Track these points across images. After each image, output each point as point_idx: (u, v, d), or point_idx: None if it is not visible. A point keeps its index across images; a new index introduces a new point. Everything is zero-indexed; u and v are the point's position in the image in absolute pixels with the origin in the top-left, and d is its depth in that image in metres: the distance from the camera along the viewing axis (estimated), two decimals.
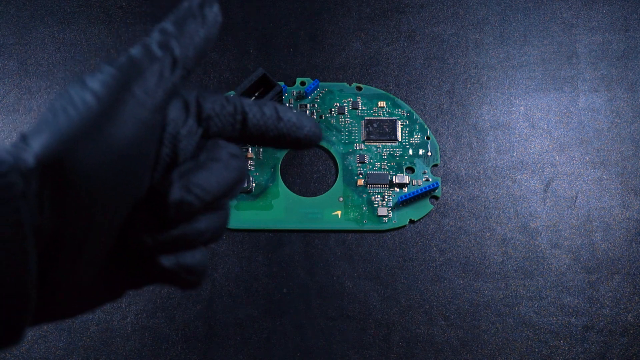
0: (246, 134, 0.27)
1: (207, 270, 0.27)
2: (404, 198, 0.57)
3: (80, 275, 0.24)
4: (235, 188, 0.26)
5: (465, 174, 0.59)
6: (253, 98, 0.57)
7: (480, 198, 0.58)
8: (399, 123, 0.60)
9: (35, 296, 0.23)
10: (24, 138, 0.22)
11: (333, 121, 0.60)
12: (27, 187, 0.22)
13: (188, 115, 0.25)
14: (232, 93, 0.58)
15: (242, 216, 0.57)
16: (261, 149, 0.59)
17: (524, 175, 0.59)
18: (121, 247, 0.25)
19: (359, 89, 0.61)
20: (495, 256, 0.57)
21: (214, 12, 0.25)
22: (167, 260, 0.25)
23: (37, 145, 0.22)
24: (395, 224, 0.57)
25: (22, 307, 0.22)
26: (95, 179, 0.22)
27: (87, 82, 0.23)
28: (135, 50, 0.24)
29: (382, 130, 0.59)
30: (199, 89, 0.26)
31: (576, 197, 0.58)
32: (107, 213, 0.24)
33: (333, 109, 0.60)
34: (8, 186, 0.21)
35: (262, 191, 0.58)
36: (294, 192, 0.58)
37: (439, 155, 0.59)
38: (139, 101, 0.23)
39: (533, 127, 0.60)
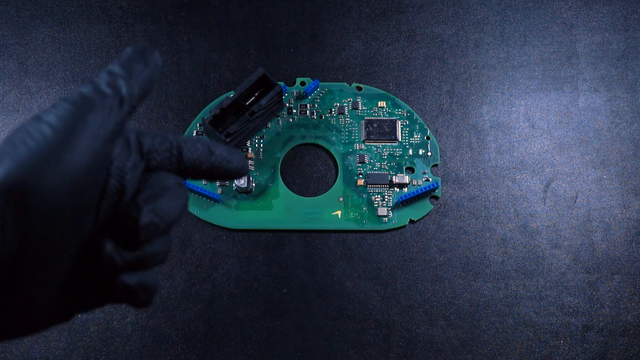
0: (182, 166, 0.30)
1: (159, 289, 0.29)
2: (404, 198, 0.57)
3: (36, 297, 0.26)
4: (184, 212, 0.29)
5: (465, 174, 0.59)
6: (253, 98, 0.57)
7: (480, 198, 0.58)
8: (399, 123, 0.60)
9: None
10: None
11: (333, 121, 0.60)
12: None
13: (131, 150, 0.28)
14: (232, 93, 0.58)
15: (242, 216, 0.57)
16: (261, 149, 0.59)
17: (524, 175, 0.59)
18: (77, 270, 0.27)
19: (359, 89, 0.61)
20: (495, 256, 0.57)
21: (155, 57, 0.28)
22: (129, 279, 0.28)
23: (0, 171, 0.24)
24: (395, 224, 0.57)
25: None
26: (53, 202, 0.24)
27: (43, 117, 0.25)
28: (86, 89, 0.26)
29: (382, 130, 0.59)
30: (137, 129, 0.29)
31: (576, 197, 0.58)
32: (64, 235, 0.26)
33: (333, 109, 0.60)
34: None
35: (262, 191, 0.58)
36: (294, 192, 0.58)
37: (439, 155, 0.59)
38: (92, 132, 0.25)
39: (533, 127, 0.60)
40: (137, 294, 0.28)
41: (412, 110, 0.60)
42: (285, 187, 0.58)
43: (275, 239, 0.57)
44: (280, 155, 0.59)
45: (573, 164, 0.59)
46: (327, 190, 0.58)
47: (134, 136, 0.29)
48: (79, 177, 0.25)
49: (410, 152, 0.59)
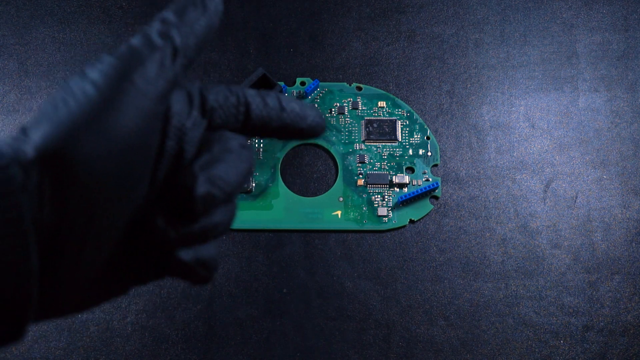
0: (249, 125, 0.27)
1: (218, 264, 0.26)
2: (404, 198, 0.57)
3: (83, 271, 0.24)
4: (247, 179, 0.26)
5: (465, 174, 0.59)
6: None
7: (480, 198, 0.58)
8: (399, 123, 0.60)
9: (37, 292, 0.22)
10: (23, 130, 0.22)
11: (333, 121, 0.60)
12: (27, 180, 0.21)
13: (192, 107, 0.25)
14: None
15: (242, 216, 0.57)
16: (261, 149, 0.59)
17: (524, 175, 0.59)
18: (130, 242, 0.25)
19: (359, 89, 0.61)
20: (495, 256, 0.57)
21: (215, 1, 0.25)
22: (186, 255, 0.25)
23: (36, 137, 0.22)
24: (395, 224, 0.57)
25: (23, 304, 0.22)
26: (96, 170, 0.22)
27: (87, 73, 0.23)
28: (136, 40, 0.24)
29: (382, 130, 0.59)
30: (202, 81, 0.26)
31: (576, 197, 0.58)
32: (110, 206, 0.23)
33: (333, 109, 0.60)
34: (8, 179, 0.21)
35: (262, 191, 0.58)
36: (294, 192, 0.58)
37: (439, 155, 0.59)
38: (140, 90, 0.23)
39: (533, 127, 0.60)
40: (194, 270, 0.25)
41: (412, 110, 0.60)
42: (285, 187, 0.58)
43: (275, 239, 0.57)
44: (280, 155, 0.59)
45: (573, 164, 0.59)
46: (327, 190, 0.58)
47: (197, 91, 0.26)
48: (125, 141, 0.22)
49: (410, 152, 0.59)
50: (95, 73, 0.23)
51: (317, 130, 0.28)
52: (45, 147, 0.22)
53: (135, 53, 0.23)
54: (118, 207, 0.24)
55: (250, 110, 0.26)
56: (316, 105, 0.60)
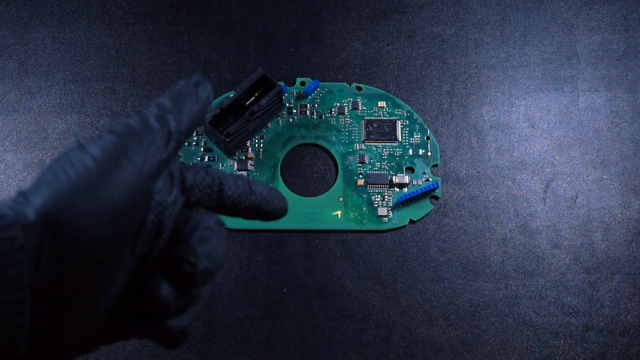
0: (221, 204, 0.29)
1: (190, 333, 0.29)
2: (404, 198, 0.57)
3: (70, 328, 0.26)
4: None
5: (465, 174, 0.59)
6: (253, 98, 0.57)
7: (480, 198, 0.58)
8: (399, 123, 0.60)
9: (25, 346, 0.24)
10: (23, 195, 0.24)
11: (333, 121, 0.60)
12: (27, 241, 0.23)
13: (173, 185, 0.27)
14: (232, 93, 0.58)
15: None
16: (261, 149, 0.59)
17: (524, 175, 0.59)
18: (119, 306, 0.27)
19: (359, 89, 0.61)
20: (495, 256, 0.57)
21: (207, 92, 0.28)
22: (175, 324, 0.27)
23: (37, 201, 0.23)
24: (395, 224, 0.57)
25: (11, 356, 0.24)
26: (89, 235, 0.24)
27: (87, 147, 0.25)
28: (134, 121, 0.26)
29: (382, 130, 0.59)
30: (181, 162, 0.29)
31: (576, 197, 0.58)
32: (98, 270, 0.25)
33: (333, 109, 0.60)
34: (10, 239, 0.22)
35: None
36: (294, 192, 0.58)
37: (439, 155, 0.59)
38: (136, 168, 0.25)
39: (533, 127, 0.60)
40: (177, 338, 0.28)
41: (412, 110, 0.60)
42: (285, 187, 0.58)
43: (275, 239, 0.57)
44: (280, 155, 0.59)
45: (573, 164, 0.59)
46: (327, 190, 0.58)
47: (178, 170, 0.28)
48: (117, 211, 0.24)
49: (410, 152, 0.59)
50: (95, 148, 0.25)
51: (280, 214, 0.30)
52: (46, 211, 0.23)
53: (133, 132, 0.25)
54: (105, 272, 0.25)
55: (223, 190, 0.29)
56: (314, 117, 0.60)
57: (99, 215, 0.24)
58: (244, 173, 0.57)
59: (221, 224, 0.29)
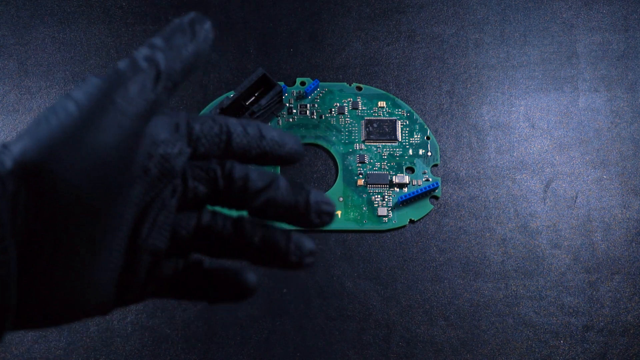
0: (230, 152, 0.28)
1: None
2: (404, 198, 0.57)
3: (56, 284, 0.25)
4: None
5: (465, 174, 0.59)
6: (253, 98, 0.57)
7: (480, 198, 0.58)
8: (399, 123, 0.60)
9: (15, 298, 0.23)
10: (4, 146, 0.23)
11: (333, 121, 0.60)
12: (4, 189, 0.22)
13: (178, 136, 0.27)
14: (232, 93, 0.58)
15: None
16: None
17: (524, 175, 0.59)
18: (123, 267, 0.26)
19: (359, 89, 0.61)
20: (495, 256, 0.57)
21: (204, 29, 0.26)
22: (251, 277, 0.29)
23: (16, 150, 0.23)
24: (395, 224, 0.57)
25: (2, 309, 0.23)
26: (73, 184, 0.23)
27: (71, 93, 0.24)
28: (122, 63, 0.25)
29: (382, 130, 0.59)
30: (187, 111, 0.27)
31: (576, 197, 0.58)
32: (86, 221, 0.24)
33: (333, 109, 0.60)
34: None
35: None
36: None
37: (439, 155, 0.59)
38: (119, 109, 0.24)
39: (533, 127, 0.60)
40: (252, 293, 0.29)
41: (412, 110, 0.60)
42: None
43: None
44: None
45: (573, 164, 0.59)
46: (327, 190, 0.58)
47: (184, 121, 0.27)
48: (103, 157, 0.24)
49: (410, 152, 0.59)
50: (78, 93, 0.24)
51: (295, 157, 0.29)
52: (24, 159, 0.23)
53: (119, 75, 0.25)
54: (96, 223, 0.24)
55: (232, 138, 0.28)
56: (314, 117, 0.60)
57: (82, 162, 0.23)
58: None
59: (272, 175, 0.29)
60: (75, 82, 0.60)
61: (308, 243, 0.29)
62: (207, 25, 0.26)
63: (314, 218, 0.30)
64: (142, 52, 0.25)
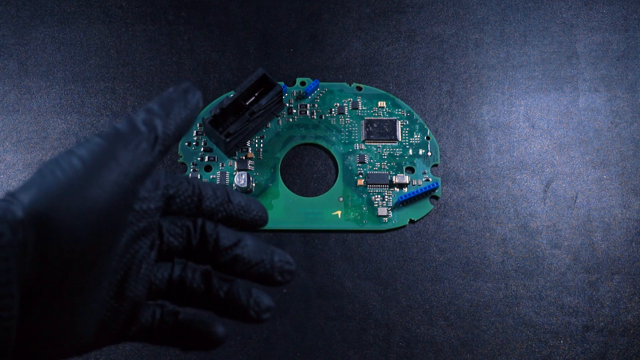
0: (200, 213, 0.30)
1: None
2: (404, 198, 0.57)
3: (53, 326, 0.26)
4: None
5: (465, 174, 0.59)
6: (253, 98, 0.57)
7: (480, 198, 0.58)
8: (399, 123, 0.60)
9: (14, 340, 0.24)
10: (11, 195, 0.25)
11: (333, 121, 0.60)
12: (14, 237, 0.24)
13: (157, 193, 0.28)
14: (232, 93, 0.58)
15: None
16: (261, 149, 0.59)
17: (524, 175, 0.59)
18: (112, 309, 0.28)
19: (359, 89, 0.61)
20: (495, 256, 0.57)
21: (196, 98, 0.28)
22: (221, 330, 0.31)
23: (25, 199, 0.24)
24: (395, 224, 0.57)
25: (2, 351, 0.24)
26: (74, 233, 0.24)
27: (75, 150, 0.25)
28: (122, 125, 0.26)
29: (382, 130, 0.59)
30: (163, 171, 0.30)
31: (576, 197, 0.58)
32: (83, 268, 0.25)
33: (333, 109, 0.60)
34: None
35: (262, 191, 0.58)
36: (294, 192, 0.58)
37: (439, 155, 0.59)
38: (122, 169, 0.25)
39: (533, 127, 0.60)
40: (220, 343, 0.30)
41: (412, 110, 0.60)
42: (285, 187, 0.58)
43: (275, 239, 0.57)
44: (280, 155, 0.59)
45: (573, 164, 0.59)
46: (327, 190, 0.58)
47: (163, 180, 0.29)
48: (102, 211, 0.25)
49: (410, 152, 0.59)
50: (82, 150, 0.25)
51: (259, 223, 0.31)
52: (33, 209, 0.24)
53: (120, 135, 0.26)
54: (90, 272, 0.26)
55: (202, 200, 0.30)
56: (314, 117, 0.60)
57: (84, 215, 0.25)
58: (244, 173, 0.57)
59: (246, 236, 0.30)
60: (76, 83, 0.60)
61: (266, 300, 0.31)
62: (198, 94, 0.28)
63: (277, 276, 0.32)
64: (140, 116, 0.27)
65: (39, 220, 0.24)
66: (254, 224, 0.31)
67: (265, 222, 0.31)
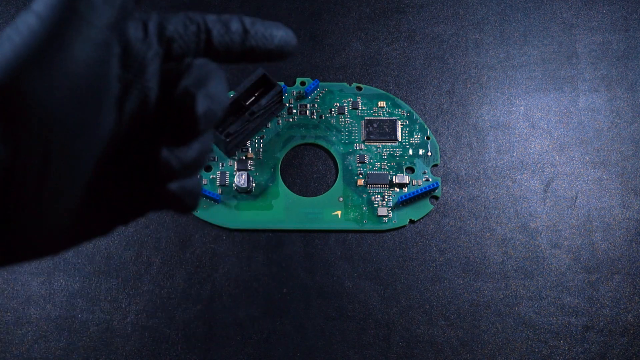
0: (211, 52, 0.26)
1: (201, 194, 0.27)
2: (404, 198, 0.57)
3: (47, 210, 0.24)
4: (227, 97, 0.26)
5: (465, 174, 0.59)
6: (253, 98, 0.57)
7: (480, 198, 0.58)
8: (399, 123, 0.60)
9: None
10: None
11: (333, 121, 0.60)
12: None
13: (150, 37, 0.25)
14: (232, 93, 0.58)
15: (242, 216, 0.57)
16: (261, 149, 0.59)
17: (524, 175, 0.59)
18: (109, 178, 0.25)
19: (359, 89, 0.61)
20: (495, 256, 0.57)
21: None
22: (173, 185, 0.25)
23: None
24: (395, 224, 0.57)
25: None
26: (48, 104, 0.22)
27: (32, 5, 0.22)
28: None
29: (382, 130, 0.59)
30: (159, 13, 0.26)
31: (576, 197, 0.58)
32: (69, 142, 0.23)
33: (333, 109, 0.60)
34: None
35: (262, 191, 0.58)
36: (294, 192, 0.58)
37: (439, 155, 0.59)
38: (86, 20, 0.22)
39: (533, 127, 0.60)
40: (182, 199, 0.25)
41: (412, 110, 0.60)
42: (285, 187, 0.58)
43: (275, 239, 0.57)
44: (280, 155, 0.59)
45: (573, 164, 0.59)
46: (327, 190, 0.58)
47: (154, 21, 0.25)
48: (77, 74, 0.22)
49: (410, 152, 0.59)
50: (39, 4, 0.22)
51: (286, 49, 0.27)
52: None
53: None
54: (80, 144, 0.23)
55: (212, 37, 0.26)
56: (314, 117, 0.60)
57: (55, 81, 0.22)
58: (244, 173, 0.57)
59: (219, 66, 0.25)
60: None
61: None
62: None
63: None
64: None
65: (2, 95, 0.21)
66: (280, 52, 0.27)
67: (294, 47, 0.27)
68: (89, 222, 0.26)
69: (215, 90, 0.24)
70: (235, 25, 0.26)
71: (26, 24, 0.22)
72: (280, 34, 0.26)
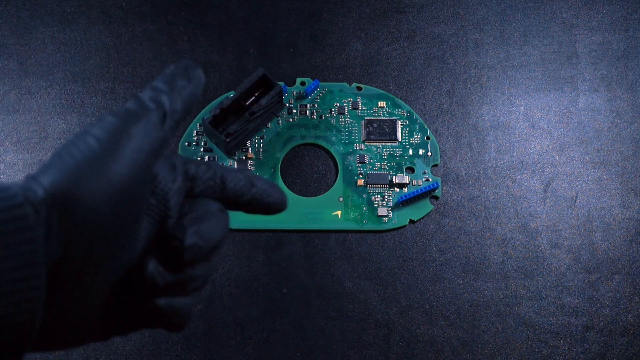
0: (224, 196, 0.30)
1: (191, 315, 0.30)
2: (404, 198, 0.57)
3: (79, 306, 0.26)
4: (225, 238, 0.30)
5: (465, 174, 0.59)
6: (253, 98, 0.57)
7: (480, 198, 0.58)
8: (399, 123, 0.60)
9: (40, 322, 0.24)
10: (32, 177, 0.25)
11: (333, 121, 0.60)
12: (39, 217, 0.24)
13: (176, 174, 0.29)
14: (232, 93, 0.58)
15: (242, 216, 0.57)
16: (261, 149, 0.59)
17: (524, 175, 0.59)
18: (118, 292, 0.28)
19: (359, 89, 0.61)
20: (495, 256, 0.57)
21: (197, 74, 0.29)
22: (160, 301, 0.28)
23: (45, 179, 0.25)
24: (395, 224, 0.57)
25: (28, 331, 0.24)
26: (95, 210, 0.25)
27: (90, 130, 0.26)
28: (131, 104, 0.27)
29: (382, 130, 0.59)
30: (183, 156, 0.30)
31: (576, 197, 0.58)
32: (107, 245, 0.26)
33: (333, 109, 0.60)
34: (23, 217, 0.24)
35: None
36: (294, 192, 0.58)
37: (439, 155, 0.59)
38: (135, 144, 0.26)
39: (533, 127, 0.60)
40: (168, 316, 0.28)
41: (412, 110, 0.60)
42: (285, 187, 0.58)
43: (275, 239, 0.57)
44: (280, 155, 0.59)
45: (573, 164, 0.59)
46: (327, 190, 0.58)
47: (180, 161, 0.29)
48: (121, 188, 0.26)
49: (410, 152, 0.59)
50: (96, 129, 0.26)
51: (280, 207, 0.32)
52: (53, 188, 0.24)
53: (131, 113, 0.27)
54: (113, 249, 0.26)
55: (225, 183, 0.30)
56: (314, 117, 0.60)
57: (104, 191, 0.25)
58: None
59: (222, 210, 0.30)
60: (76, 83, 0.60)
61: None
62: (199, 70, 0.29)
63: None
64: (147, 94, 0.28)
65: (61, 199, 0.24)
66: (275, 207, 0.32)
67: (285, 205, 0.32)
68: (97, 327, 0.28)
69: (208, 230, 0.28)
70: (244, 177, 0.31)
71: (85, 142, 0.25)
72: (277, 194, 0.31)
